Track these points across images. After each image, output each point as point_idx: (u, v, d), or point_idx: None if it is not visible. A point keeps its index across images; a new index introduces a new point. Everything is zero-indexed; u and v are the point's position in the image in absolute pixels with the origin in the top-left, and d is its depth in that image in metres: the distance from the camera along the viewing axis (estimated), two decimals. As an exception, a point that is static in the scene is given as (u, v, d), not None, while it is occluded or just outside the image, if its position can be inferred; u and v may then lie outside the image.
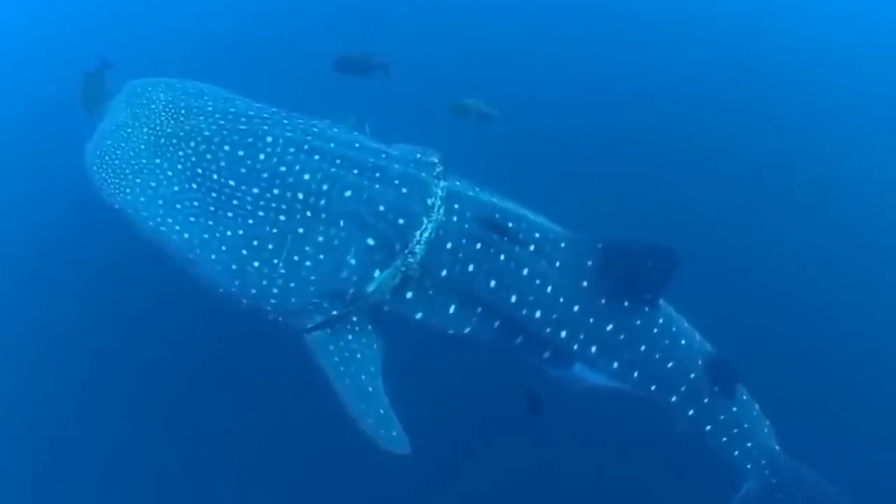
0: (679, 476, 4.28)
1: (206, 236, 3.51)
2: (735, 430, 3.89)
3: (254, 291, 3.51)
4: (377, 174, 3.60)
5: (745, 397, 3.95)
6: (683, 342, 3.85)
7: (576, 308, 3.68)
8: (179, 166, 3.60)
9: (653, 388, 3.84)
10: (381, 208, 3.51)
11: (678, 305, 3.96)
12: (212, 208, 3.54)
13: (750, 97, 7.24)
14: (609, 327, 3.72)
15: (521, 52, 7.61)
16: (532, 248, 3.66)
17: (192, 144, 3.63)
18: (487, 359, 3.98)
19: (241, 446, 4.56)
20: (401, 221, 3.50)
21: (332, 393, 3.50)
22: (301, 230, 3.50)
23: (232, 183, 3.55)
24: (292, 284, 3.48)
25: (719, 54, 7.89)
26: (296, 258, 3.48)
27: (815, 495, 3.73)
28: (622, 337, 3.74)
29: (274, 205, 3.51)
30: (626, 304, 3.73)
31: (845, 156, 6.79)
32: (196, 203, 3.55)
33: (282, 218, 3.51)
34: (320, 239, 3.49)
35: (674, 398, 3.85)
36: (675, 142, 6.54)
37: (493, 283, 3.61)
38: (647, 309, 3.77)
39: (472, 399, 4.48)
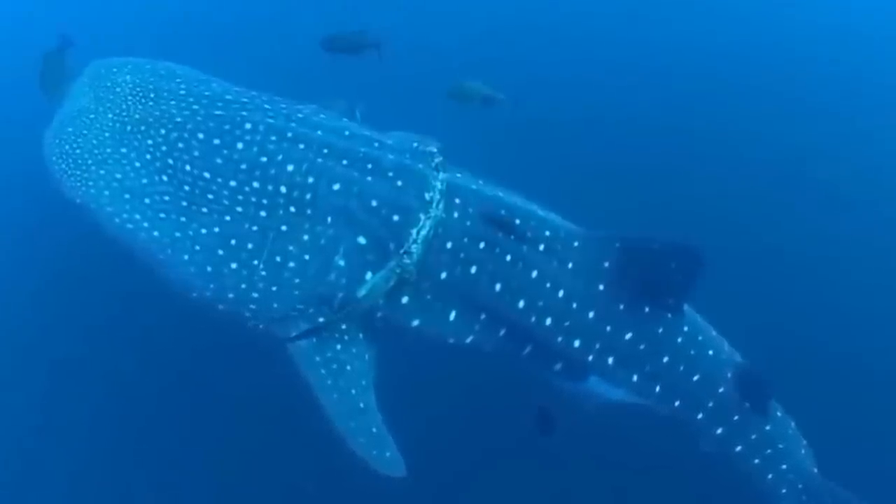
0: (706, 502, 4.28)
1: (178, 234, 3.52)
2: (768, 451, 3.89)
3: (231, 296, 3.52)
4: (369, 165, 3.60)
5: (779, 414, 3.96)
6: (711, 353, 3.85)
7: (591, 314, 3.69)
8: (148, 156, 3.61)
9: (676, 403, 3.85)
10: (374, 203, 3.51)
11: (705, 312, 3.96)
12: (184, 203, 3.55)
13: (786, 78, 7.24)
14: (628, 336, 3.72)
15: (529, 28, 7.61)
16: (542, 247, 3.66)
17: (163, 132, 3.63)
18: (492, 371, 3.99)
19: (218, 469, 4.56)
20: (395, 218, 3.50)
21: (319, 409, 3.50)
22: (284, 228, 3.51)
23: (207, 175, 3.55)
24: (274, 288, 3.49)
25: (751, 30, 7.90)
26: (278, 259, 3.49)
27: (858, 524, 3.73)
28: (642, 347, 3.74)
29: (254, 199, 3.52)
30: (646, 310, 3.73)
31: (894, 145, 6.78)
32: (167, 197, 3.56)
33: (262, 214, 3.51)
34: (306, 237, 3.50)
35: (700, 415, 3.86)
36: (700, 128, 6.54)
37: (498, 287, 3.61)
38: (669, 316, 3.77)
39: (475, 416, 4.48)
